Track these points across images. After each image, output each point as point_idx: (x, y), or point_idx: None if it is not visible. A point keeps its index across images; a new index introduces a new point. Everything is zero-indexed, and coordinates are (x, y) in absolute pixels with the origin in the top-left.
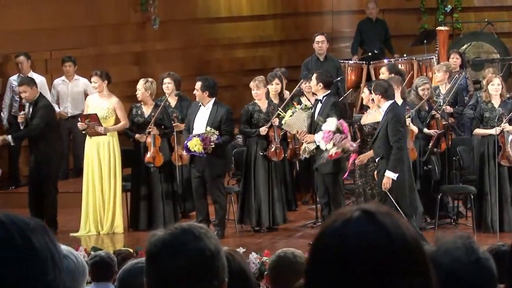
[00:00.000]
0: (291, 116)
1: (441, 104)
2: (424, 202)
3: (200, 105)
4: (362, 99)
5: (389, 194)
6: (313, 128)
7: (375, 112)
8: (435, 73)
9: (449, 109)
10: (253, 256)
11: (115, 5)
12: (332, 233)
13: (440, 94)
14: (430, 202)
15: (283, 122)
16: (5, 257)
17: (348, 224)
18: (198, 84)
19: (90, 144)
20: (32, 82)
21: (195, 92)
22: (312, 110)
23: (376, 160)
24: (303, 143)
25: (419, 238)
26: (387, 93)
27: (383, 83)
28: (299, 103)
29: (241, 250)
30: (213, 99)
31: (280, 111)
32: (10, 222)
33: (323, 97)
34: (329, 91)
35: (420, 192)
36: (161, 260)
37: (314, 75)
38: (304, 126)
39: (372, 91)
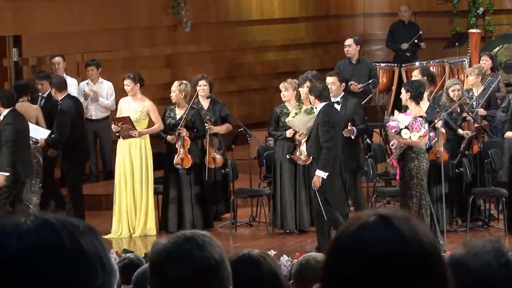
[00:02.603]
0: (293, 116)
1: (474, 106)
2: (455, 204)
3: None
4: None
5: (317, 193)
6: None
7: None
8: (467, 76)
9: (482, 111)
10: (284, 258)
11: (147, 8)
12: (347, 238)
13: (473, 97)
14: (462, 205)
15: (287, 120)
16: (55, 260)
17: (364, 229)
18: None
19: (122, 147)
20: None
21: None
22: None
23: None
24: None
25: (436, 244)
26: (321, 95)
27: (319, 85)
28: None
29: (272, 252)
30: None
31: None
32: (60, 225)
33: (340, 98)
34: (342, 94)
35: (451, 195)
36: (164, 269)
37: (336, 77)
38: (305, 129)
39: (308, 92)
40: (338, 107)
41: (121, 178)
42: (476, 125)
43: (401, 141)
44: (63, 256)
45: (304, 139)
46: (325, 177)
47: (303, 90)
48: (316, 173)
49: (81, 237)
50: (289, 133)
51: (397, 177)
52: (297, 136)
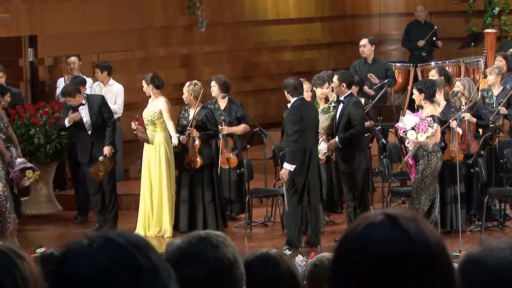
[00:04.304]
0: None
1: (494, 106)
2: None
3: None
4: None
5: (284, 185)
6: (335, 129)
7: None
8: (486, 76)
9: (504, 110)
10: (299, 258)
11: (163, 8)
12: (354, 237)
13: (493, 96)
14: (476, 204)
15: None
16: (132, 279)
17: (370, 229)
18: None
19: (147, 146)
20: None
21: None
22: (334, 112)
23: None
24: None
25: (443, 244)
26: (294, 90)
27: (292, 81)
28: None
29: (287, 252)
30: None
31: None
32: (127, 243)
33: (344, 97)
34: (350, 91)
35: (466, 194)
36: (178, 269)
37: (336, 76)
38: (322, 128)
39: (283, 87)
40: (341, 106)
41: (144, 177)
42: (491, 125)
43: (415, 141)
44: (139, 273)
45: (321, 138)
46: (291, 170)
47: (322, 91)
48: (283, 166)
49: (150, 252)
50: None
51: (411, 174)
52: None
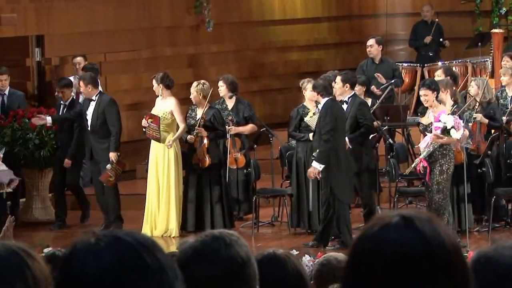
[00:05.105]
0: (311, 117)
1: (509, 106)
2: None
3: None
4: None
5: (323, 184)
6: None
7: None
8: (501, 77)
9: None
10: (306, 258)
11: (169, 8)
12: (369, 238)
13: (507, 97)
14: (484, 204)
15: (305, 119)
16: (140, 278)
17: (386, 230)
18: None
19: (155, 146)
20: (92, 80)
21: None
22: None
23: (314, 154)
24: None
25: (459, 245)
26: (324, 91)
27: (322, 81)
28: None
29: (294, 252)
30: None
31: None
32: (135, 242)
33: (348, 98)
34: (354, 92)
35: (473, 195)
36: (191, 268)
37: (339, 77)
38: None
39: (312, 88)
40: (344, 106)
41: (152, 178)
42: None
43: (445, 141)
44: (147, 273)
45: None
46: (320, 169)
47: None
48: (312, 165)
49: (157, 252)
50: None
51: (427, 177)
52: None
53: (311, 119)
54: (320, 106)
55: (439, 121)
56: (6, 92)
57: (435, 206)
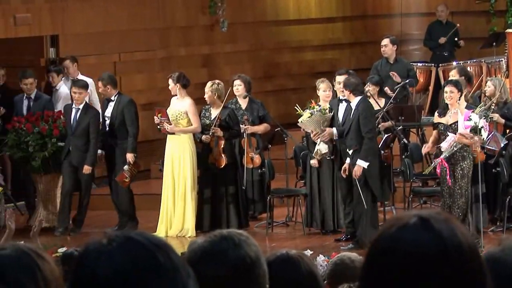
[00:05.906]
0: (309, 117)
1: None
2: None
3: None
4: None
5: (357, 182)
6: (339, 132)
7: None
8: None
9: None
10: (321, 258)
11: (184, 8)
12: (387, 239)
13: None
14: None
15: (299, 120)
16: (153, 278)
17: (403, 231)
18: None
19: (170, 145)
20: (112, 80)
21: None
22: (331, 113)
23: (349, 152)
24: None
25: (476, 246)
26: (356, 89)
27: (354, 80)
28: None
29: (308, 252)
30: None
31: (296, 107)
32: (149, 243)
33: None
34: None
35: (488, 195)
36: (201, 268)
37: (343, 82)
38: (319, 128)
39: (342, 87)
40: (344, 106)
41: (167, 177)
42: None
43: (469, 142)
44: (159, 272)
45: (320, 139)
46: (366, 167)
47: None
48: (357, 163)
49: (169, 251)
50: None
51: (448, 180)
52: (312, 137)
53: (308, 120)
54: (352, 105)
55: (469, 119)
56: (33, 96)
57: (459, 210)
